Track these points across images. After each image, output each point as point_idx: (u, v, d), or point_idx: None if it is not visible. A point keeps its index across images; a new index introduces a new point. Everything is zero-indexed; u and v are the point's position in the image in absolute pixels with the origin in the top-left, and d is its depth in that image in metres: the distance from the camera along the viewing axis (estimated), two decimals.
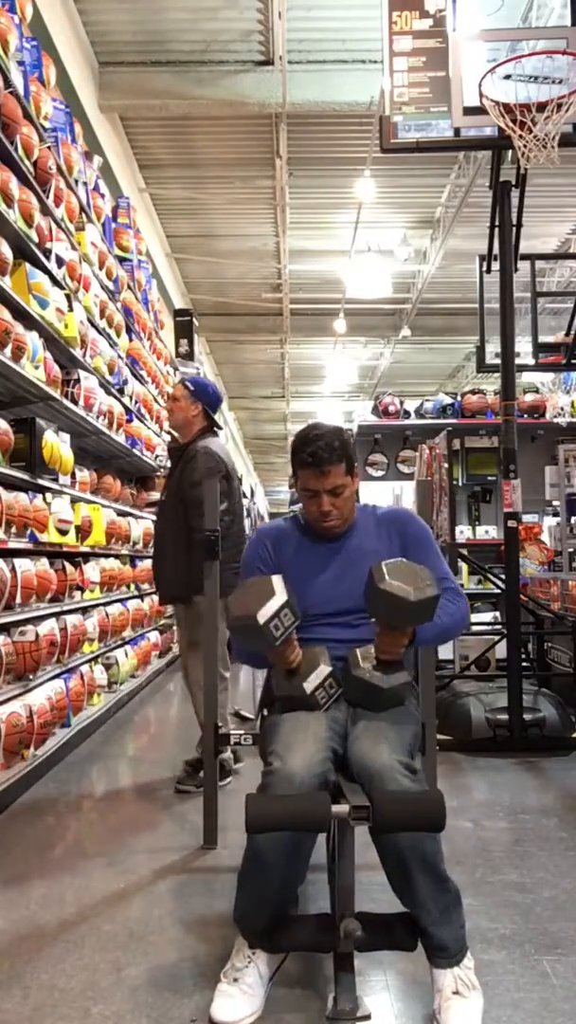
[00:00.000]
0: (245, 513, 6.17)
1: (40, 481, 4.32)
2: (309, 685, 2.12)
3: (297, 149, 8.73)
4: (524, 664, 4.89)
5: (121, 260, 6.99)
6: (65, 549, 4.80)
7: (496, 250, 4.89)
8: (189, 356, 10.92)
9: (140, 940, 2.40)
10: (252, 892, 2.03)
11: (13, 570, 3.88)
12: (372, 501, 2.55)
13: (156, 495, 7.56)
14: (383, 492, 7.80)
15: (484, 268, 5.20)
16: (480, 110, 4.39)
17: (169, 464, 4.24)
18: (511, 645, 4.68)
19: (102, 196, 6.35)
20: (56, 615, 4.57)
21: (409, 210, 10.31)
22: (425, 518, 2.60)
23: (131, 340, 7.12)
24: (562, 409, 7.64)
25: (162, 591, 4.09)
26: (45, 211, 4.54)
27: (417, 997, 2.06)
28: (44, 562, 4.35)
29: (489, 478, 7.39)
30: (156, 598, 7.43)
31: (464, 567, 6.42)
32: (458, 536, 6.73)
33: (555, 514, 7.17)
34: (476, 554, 6.54)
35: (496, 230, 4.88)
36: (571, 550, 5.80)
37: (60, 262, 4.76)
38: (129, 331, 7.05)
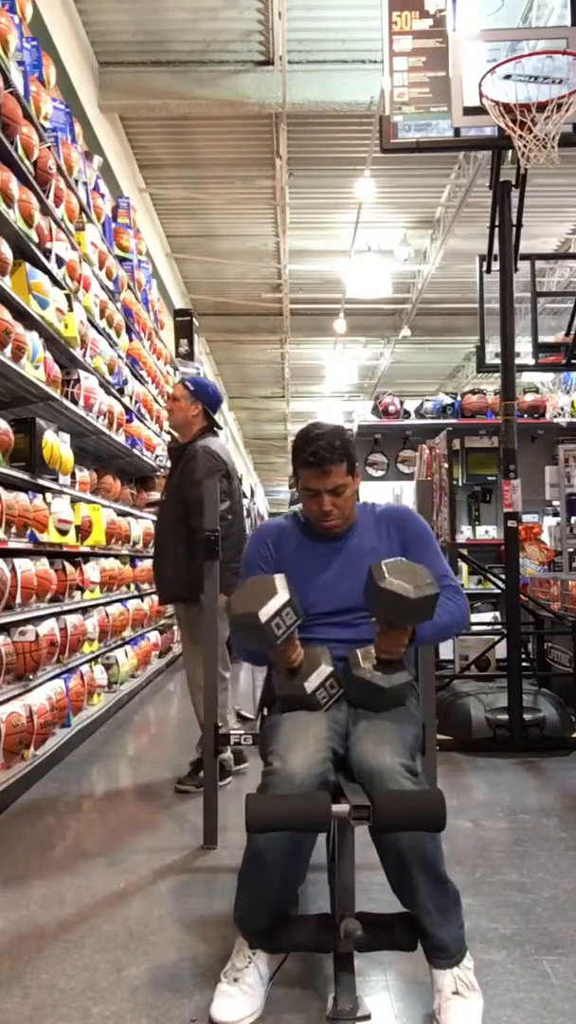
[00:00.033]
0: (245, 513, 6.16)
1: (40, 481, 4.32)
2: (310, 685, 2.12)
3: (297, 149, 8.73)
4: (524, 664, 4.89)
5: (121, 260, 6.99)
6: (65, 549, 4.80)
7: (496, 250, 4.89)
8: (189, 356, 10.92)
9: (140, 940, 2.40)
10: (252, 892, 2.03)
11: (13, 570, 3.88)
12: (371, 500, 2.54)
13: (156, 495, 7.56)
14: (383, 492, 7.80)
15: (484, 268, 5.20)
16: (480, 110, 4.39)
17: (169, 464, 4.24)
18: (511, 645, 4.68)
19: (102, 196, 6.35)
20: (56, 615, 4.57)
21: (409, 210, 10.31)
22: (425, 518, 2.60)
23: (131, 340, 7.12)
24: (562, 409, 7.64)
25: (162, 591, 4.09)
26: (45, 211, 4.54)
27: (417, 997, 2.06)
28: (44, 562, 4.35)
29: (489, 478, 7.39)
30: (156, 598, 7.46)
31: (464, 567, 6.42)
32: (458, 536, 6.73)
33: (555, 514, 7.17)
34: (476, 554, 6.54)
35: (496, 230, 4.88)
36: (571, 550, 5.80)
37: (60, 262, 4.76)
38: (129, 331, 7.05)
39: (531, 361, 5.98)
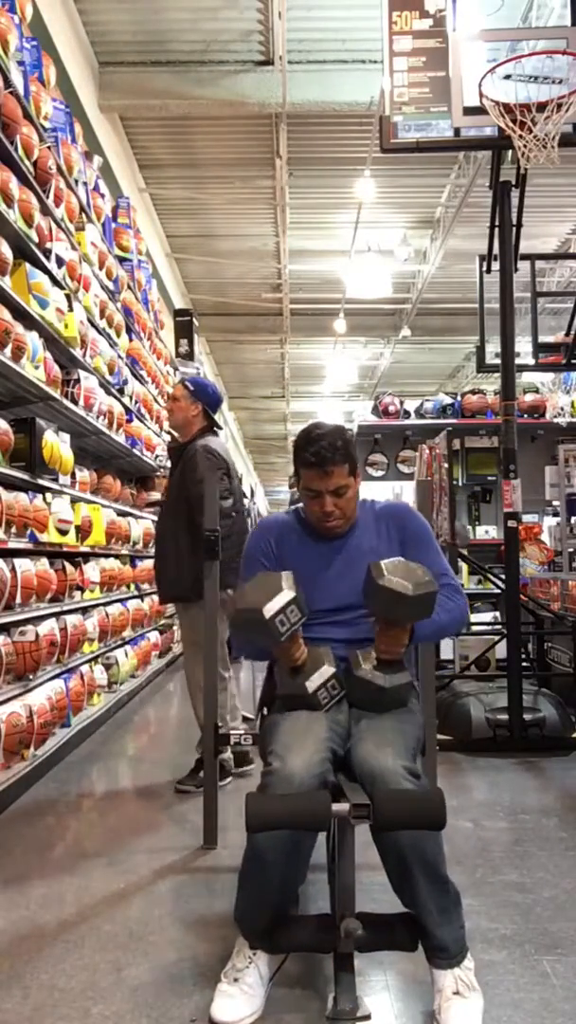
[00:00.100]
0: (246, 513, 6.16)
1: (40, 481, 4.32)
2: (312, 684, 2.12)
3: (297, 149, 8.73)
4: (524, 664, 4.89)
5: (121, 260, 6.99)
6: (65, 549, 4.80)
7: (496, 250, 4.89)
8: (189, 356, 10.92)
9: (140, 940, 2.40)
10: (252, 891, 2.03)
11: (13, 570, 3.88)
12: (370, 496, 2.53)
13: (156, 495, 7.57)
14: (383, 492, 7.80)
15: (484, 268, 5.20)
16: (480, 110, 4.39)
17: (169, 464, 4.24)
18: (511, 645, 4.68)
19: (102, 196, 6.35)
20: (56, 615, 4.57)
21: (409, 210, 10.31)
22: (425, 518, 2.59)
23: (131, 340, 7.12)
24: (562, 409, 7.64)
25: (163, 591, 4.09)
26: (45, 211, 4.54)
27: (417, 997, 2.06)
28: (44, 562, 4.35)
29: (489, 478, 7.39)
30: (156, 598, 7.46)
31: (464, 567, 6.42)
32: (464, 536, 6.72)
33: (555, 514, 7.17)
34: (476, 554, 6.54)
35: (496, 230, 4.88)
36: (571, 550, 5.80)
37: (60, 262, 4.76)
38: (129, 331, 7.05)
39: (531, 361, 5.98)
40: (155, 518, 7.50)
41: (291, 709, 2.15)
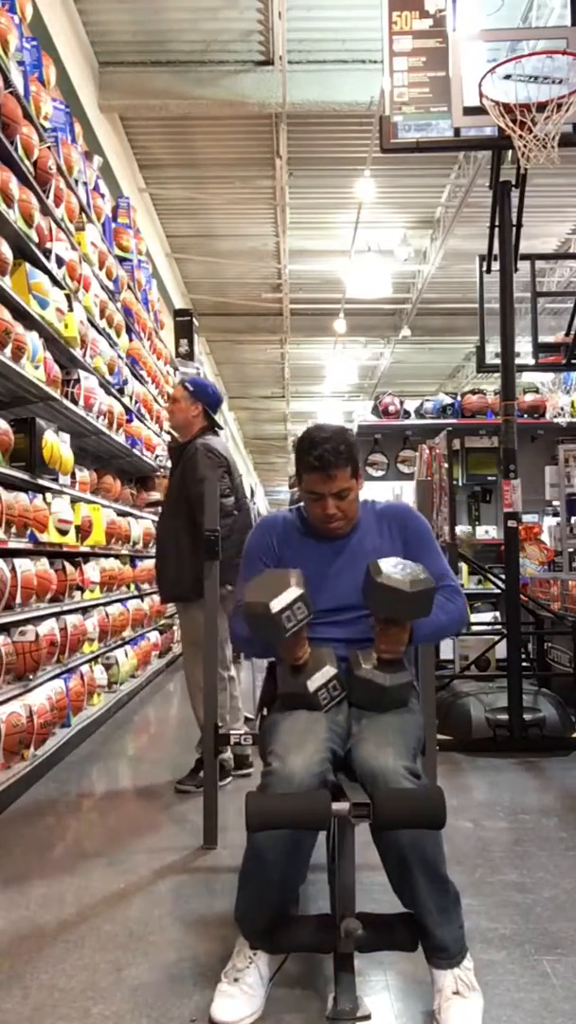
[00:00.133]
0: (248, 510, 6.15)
1: (40, 481, 4.32)
2: (313, 684, 2.12)
3: (297, 149, 8.73)
4: (524, 664, 4.89)
5: (121, 260, 6.99)
6: (65, 549, 4.80)
7: (496, 250, 4.89)
8: (189, 356, 10.92)
9: (140, 940, 2.40)
10: (253, 891, 2.03)
11: (13, 570, 3.88)
12: (371, 497, 2.53)
13: (156, 495, 7.57)
14: (383, 492, 7.80)
15: (484, 268, 5.20)
16: (480, 110, 4.39)
17: (170, 464, 4.24)
18: (511, 645, 4.68)
19: (102, 196, 6.35)
20: (56, 615, 4.57)
21: (409, 210, 10.31)
22: (425, 518, 2.59)
23: (131, 340, 7.12)
24: (562, 409, 7.64)
25: (163, 590, 4.09)
26: (45, 211, 4.54)
27: (417, 997, 2.06)
28: (44, 562, 4.35)
29: (489, 478, 7.39)
30: (156, 598, 7.46)
31: (464, 567, 6.42)
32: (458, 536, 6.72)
33: (555, 514, 7.17)
34: (476, 554, 6.53)
35: (496, 230, 4.88)
36: (571, 550, 5.80)
37: (60, 262, 4.76)
38: (129, 331, 7.05)
39: (531, 361, 5.98)
40: (155, 518, 7.52)
41: (291, 708, 2.15)
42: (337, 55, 7.42)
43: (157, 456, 7.79)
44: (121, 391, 6.49)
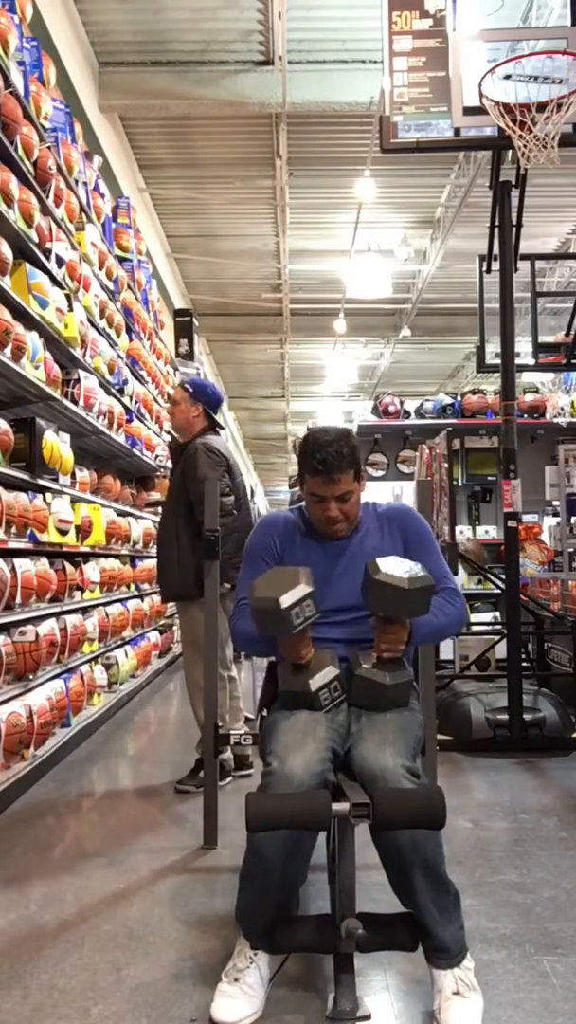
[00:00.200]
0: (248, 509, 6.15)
1: (40, 481, 4.32)
2: (315, 683, 2.13)
3: (297, 149, 8.74)
4: (524, 664, 4.89)
5: (121, 260, 6.99)
6: (65, 549, 4.80)
7: (496, 250, 4.89)
8: (189, 356, 10.93)
9: (140, 940, 2.40)
10: (253, 891, 2.03)
11: (13, 570, 3.88)
12: (371, 499, 2.53)
13: (156, 495, 7.57)
14: (383, 492, 7.80)
15: (484, 268, 5.20)
16: (480, 110, 4.39)
17: (171, 464, 4.25)
18: (511, 645, 4.68)
19: (102, 196, 6.35)
20: (56, 615, 4.57)
21: (409, 210, 10.31)
22: (425, 518, 2.60)
23: (131, 340, 7.12)
24: (562, 409, 7.64)
25: (164, 590, 4.09)
26: (45, 211, 4.54)
27: (417, 997, 2.06)
28: (44, 562, 4.35)
29: (489, 478, 7.40)
30: (156, 598, 7.47)
31: (463, 567, 6.42)
32: (458, 536, 6.72)
33: (555, 514, 7.17)
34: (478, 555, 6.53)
35: (496, 230, 4.88)
36: (571, 550, 5.79)
37: (60, 262, 4.76)
38: (129, 331, 7.05)
39: (531, 361, 5.98)
40: (155, 518, 7.53)
41: (291, 708, 2.15)
42: (337, 55, 7.42)
43: (157, 456, 7.79)
44: (121, 391, 6.49)
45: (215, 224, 10.78)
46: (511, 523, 4.76)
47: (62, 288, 4.79)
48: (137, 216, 8.01)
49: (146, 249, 8.80)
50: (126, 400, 6.64)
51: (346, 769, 2.05)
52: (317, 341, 14.84)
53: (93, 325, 5.56)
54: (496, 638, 5.31)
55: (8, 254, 3.90)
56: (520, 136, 4.31)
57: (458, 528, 6.87)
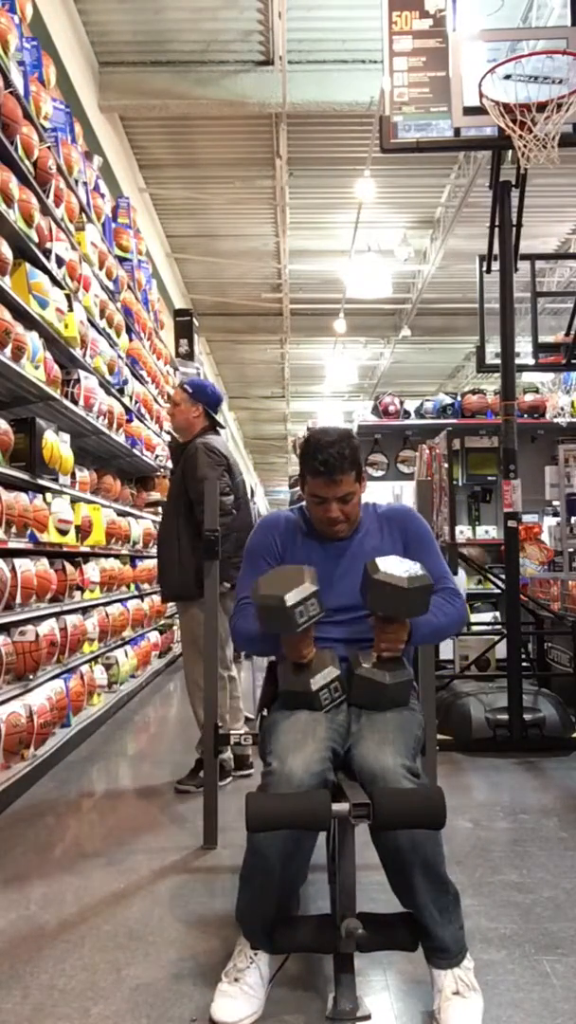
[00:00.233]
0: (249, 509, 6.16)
1: (40, 481, 4.32)
2: (316, 683, 2.13)
3: (297, 149, 8.74)
4: (524, 664, 4.88)
5: (121, 260, 6.99)
6: (65, 549, 4.80)
7: (496, 250, 4.89)
8: (189, 356, 10.93)
9: (140, 940, 2.40)
10: (253, 891, 2.03)
11: (13, 570, 3.88)
12: (372, 499, 2.54)
13: (156, 495, 7.57)
14: (383, 492, 7.80)
15: (484, 268, 5.20)
16: (480, 110, 4.39)
17: (171, 463, 4.25)
18: (511, 645, 4.68)
19: (102, 196, 6.35)
20: (56, 615, 4.57)
21: (409, 210, 10.31)
22: (425, 518, 2.60)
23: (131, 340, 7.12)
24: (562, 409, 7.64)
25: (165, 589, 4.09)
26: (45, 211, 4.54)
27: (417, 997, 2.06)
28: (44, 562, 4.35)
29: (489, 478, 7.39)
30: (156, 598, 7.47)
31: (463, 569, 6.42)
32: (458, 536, 6.73)
33: (555, 514, 7.16)
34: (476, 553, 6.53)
35: (496, 230, 4.88)
36: (571, 550, 5.79)
37: (60, 262, 4.76)
38: (129, 331, 7.05)
39: (531, 361, 5.98)
40: (155, 518, 7.53)
41: (291, 707, 2.15)
42: (337, 55, 7.42)
43: (157, 456, 7.79)
44: (121, 391, 6.49)
45: (215, 224, 10.78)
46: (511, 523, 4.76)
47: (62, 288, 4.79)
48: (137, 216, 8.01)
49: (146, 249, 8.80)
50: (126, 400, 6.64)
51: (346, 769, 2.05)
52: (317, 341, 14.84)
53: (93, 325, 5.56)
54: (496, 638, 5.31)
55: (8, 254, 3.90)
56: (520, 136, 4.31)
57: (458, 528, 6.87)
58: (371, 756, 1.97)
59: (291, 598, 2.05)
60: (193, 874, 2.93)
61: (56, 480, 4.63)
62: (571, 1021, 1.96)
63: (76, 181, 5.35)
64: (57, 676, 4.57)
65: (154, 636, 7.67)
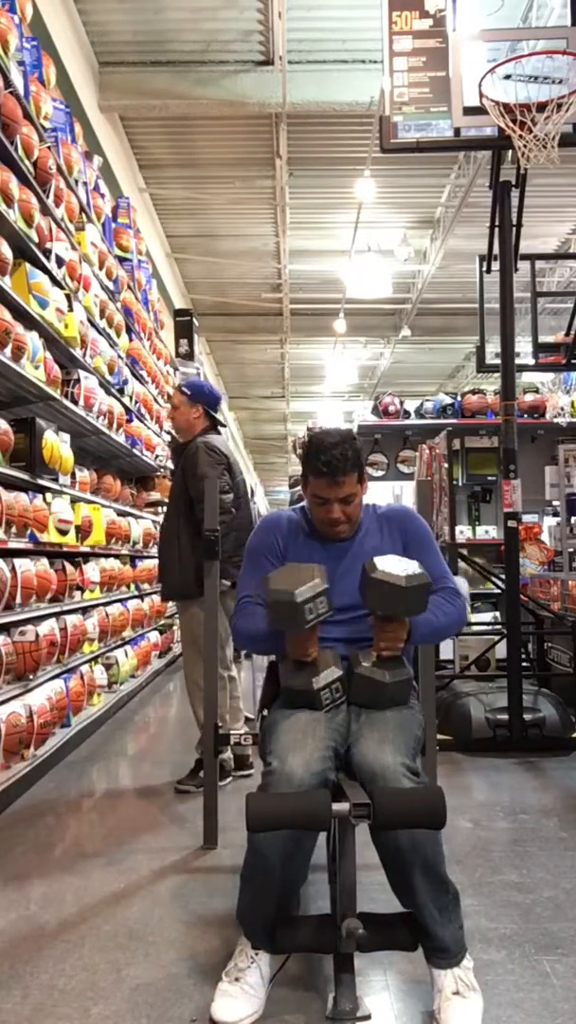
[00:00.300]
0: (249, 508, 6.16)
1: (40, 481, 4.32)
2: (318, 682, 2.13)
3: (297, 149, 8.74)
4: (524, 664, 4.88)
5: (121, 260, 6.99)
6: (65, 549, 4.80)
7: (496, 250, 4.89)
8: (189, 356, 10.92)
9: (140, 940, 2.40)
10: (254, 891, 2.03)
11: (13, 570, 3.88)
12: (372, 500, 2.54)
13: (156, 495, 7.57)
14: (383, 492, 7.80)
15: (484, 268, 5.20)
16: (480, 110, 4.39)
17: (172, 464, 4.25)
18: (511, 645, 4.68)
19: (102, 196, 6.35)
20: (56, 615, 4.57)
21: (409, 210, 10.31)
22: (425, 518, 2.60)
23: (131, 340, 7.12)
24: (562, 409, 7.64)
25: (165, 589, 4.10)
26: (45, 211, 4.54)
27: (417, 997, 2.06)
28: (44, 562, 4.35)
29: (489, 478, 7.39)
30: (156, 598, 7.47)
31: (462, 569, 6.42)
32: (458, 536, 6.73)
33: (555, 514, 7.17)
34: (476, 554, 6.53)
35: (496, 230, 4.88)
36: (571, 550, 5.80)
37: (60, 262, 4.76)
38: (129, 331, 7.05)
39: (531, 361, 5.98)
40: (156, 518, 7.53)
41: (291, 706, 2.15)
42: (337, 55, 7.42)
43: (157, 456, 7.79)
44: (121, 391, 6.49)
45: (215, 224, 10.78)
46: (511, 523, 4.76)
47: (62, 288, 4.79)
48: (137, 216, 8.01)
49: (146, 249, 8.80)
50: (126, 400, 6.64)
51: (346, 768, 2.05)
52: (317, 341, 14.85)
53: (93, 325, 5.56)
54: (496, 638, 5.31)
55: (8, 254, 3.90)
56: (520, 136, 4.31)
57: (458, 528, 6.87)
58: (371, 754, 1.97)
59: (301, 594, 2.06)
60: (193, 874, 2.93)
61: (56, 480, 4.63)
62: (571, 1021, 1.96)
63: (76, 181, 5.35)
64: (57, 676, 4.57)
65: (154, 636, 7.67)
